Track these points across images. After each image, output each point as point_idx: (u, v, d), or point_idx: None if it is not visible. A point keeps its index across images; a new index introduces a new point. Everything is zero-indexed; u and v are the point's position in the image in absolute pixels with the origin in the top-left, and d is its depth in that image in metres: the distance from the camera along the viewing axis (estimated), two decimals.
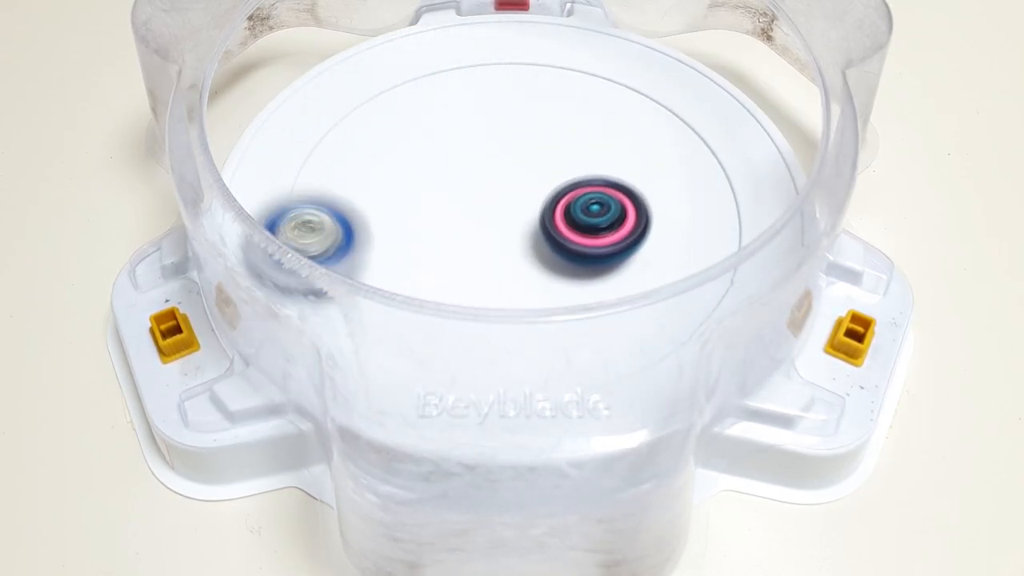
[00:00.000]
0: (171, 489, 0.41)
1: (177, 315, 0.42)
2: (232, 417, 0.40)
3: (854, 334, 0.42)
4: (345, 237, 0.41)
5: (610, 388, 0.36)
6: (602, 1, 0.52)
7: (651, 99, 0.48)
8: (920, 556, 0.40)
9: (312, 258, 0.38)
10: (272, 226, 0.40)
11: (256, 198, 0.44)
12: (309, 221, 0.40)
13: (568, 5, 0.52)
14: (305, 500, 0.41)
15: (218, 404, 0.40)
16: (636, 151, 0.47)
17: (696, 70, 0.49)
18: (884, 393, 0.41)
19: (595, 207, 0.42)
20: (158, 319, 0.42)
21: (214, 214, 0.39)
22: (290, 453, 0.40)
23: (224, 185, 0.39)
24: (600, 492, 0.35)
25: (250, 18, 0.50)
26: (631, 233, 0.42)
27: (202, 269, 0.42)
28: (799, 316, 0.41)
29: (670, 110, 0.48)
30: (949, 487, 0.41)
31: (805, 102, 0.51)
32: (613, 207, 0.42)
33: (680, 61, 0.50)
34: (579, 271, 0.43)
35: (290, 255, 0.37)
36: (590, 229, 0.42)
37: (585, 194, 0.42)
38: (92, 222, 0.48)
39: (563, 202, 0.42)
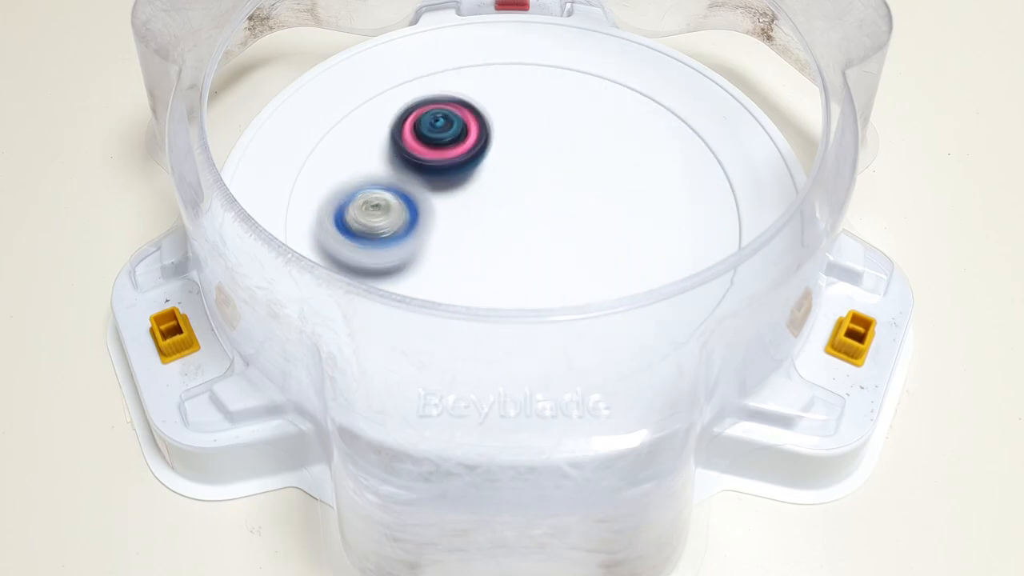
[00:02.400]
0: (171, 489, 0.41)
1: (177, 315, 0.42)
2: (232, 417, 0.40)
3: (854, 334, 0.42)
4: (411, 218, 0.43)
5: (610, 388, 0.36)
6: (602, 1, 0.52)
7: (651, 99, 0.48)
8: (920, 556, 0.40)
9: (380, 238, 0.42)
10: (342, 207, 0.43)
11: (256, 198, 0.44)
12: (377, 202, 0.42)
13: (568, 5, 0.52)
14: (305, 500, 0.41)
15: (218, 404, 0.40)
16: (636, 151, 0.47)
17: (696, 70, 0.49)
18: (884, 393, 0.41)
19: (440, 122, 0.45)
20: (158, 319, 0.42)
21: (214, 214, 0.39)
22: (290, 453, 0.40)
23: (224, 185, 0.39)
24: (600, 492, 0.35)
25: (250, 18, 0.50)
26: (473, 146, 0.45)
27: (202, 269, 0.42)
28: (799, 316, 0.41)
29: (670, 110, 0.48)
30: (949, 487, 0.41)
31: (805, 102, 0.51)
32: (456, 123, 0.45)
33: (680, 61, 0.50)
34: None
35: (290, 254, 0.37)
36: (435, 143, 0.45)
37: (431, 111, 0.45)
38: (92, 222, 0.48)
39: (411, 118, 0.45)
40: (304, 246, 0.43)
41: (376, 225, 0.42)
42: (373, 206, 0.42)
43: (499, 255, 0.44)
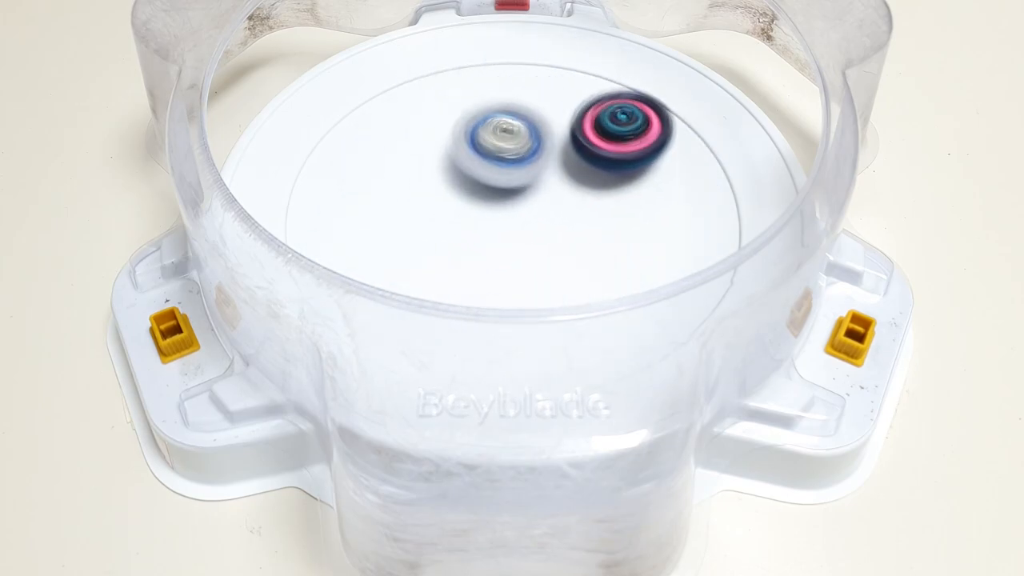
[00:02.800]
0: (171, 489, 0.41)
1: (177, 315, 0.42)
2: (232, 417, 0.40)
3: (854, 334, 0.42)
4: (535, 144, 0.45)
5: (610, 388, 0.36)
6: (602, 1, 0.52)
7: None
8: (920, 556, 0.40)
9: (508, 160, 0.44)
10: (474, 130, 0.45)
11: (256, 198, 0.44)
12: (507, 128, 0.45)
13: (568, 5, 0.52)
14: (305, 500, 0.41)
15: (218, 404, 0.40)
16: None
17: (696, 70, 0.49)
18: (884, 393, 0.41)
19: (622, 116, 0.45)
20: (158, 319, 0.42)
21: (214, 214, 0.39)
22: (290, 453, 0.40)
23: (224, 185, 0.39)
24: (600, 492, 0.35)
25: (250, 18, 0.50)
26: (656, 140, 0.45)
27: (202, 269, 0.42)
28: (799, 316, 0.41)
29: (670, 110, 0.48)
30: (949, 487, 0.41)
31: (805, 102, 0.51)
32: (640, 117, 0.45)
33: (680, 61, 0.50)
34: (607, 179, 0.46)
35: (291, 254, 0.37)
36: (617, 137, 0.45)
37: (612, 105, 0.46)
38: (92, 222, 0.48)
39: (591, 112, 0.46)
40: (305, 246, 0.43)
41: (503, 148, 0.44)
42: (504, 130, 0.45)
43: (499, 255, 0.44)
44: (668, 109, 0.46)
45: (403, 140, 0.47)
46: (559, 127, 0.46)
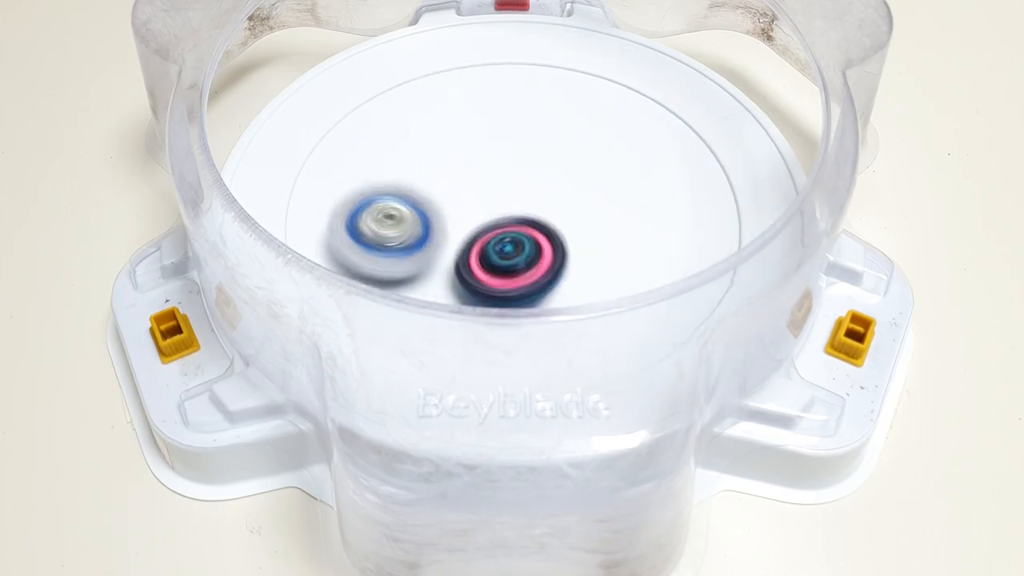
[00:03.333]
0: (171, 489, 0.41)
1: (177, 315, 0.42)
2: (232, 417, 0.40)
3: (854, 334, 0.42)
4: (423, 231, 0.42)
5: (610, 388, 0.36)
6: (602, 1, 0.52)
7: (651, 99, 0.48)
8: (920, 556, 0.40)
9: (391, 248, 0.42)
10: (355, 214, 0.43)
11: (256, 198, 0.44)
12: (391, 213, 0.42)
13: (568, 5, 0.52)
14: (305, 500, 0.41)
15: (218, 404, 0.40)
16: (636, 151, 0.47)
17: (696, 70, 0.49)
18: (884, 393, 0.41)
19: (509, 247, 0.42)
20: (158, 319, 0.42)
21: (214, 214, 0.39)
22: (290, 453, 0.40)
23: (224, 185, 0.39)
24: (600, 492, 0.35)
25: (250, 18, 0.50)
26: (548, 270, 0.42)
27: (202, 269, 0.42)
28: (799, 316, 0.41)
29: (670, 110, 0.48)
30: (949, 487, 0.41)
31: (805, 102, 0.51)
32: (527, 245, 0.42)
33: (680, 61, 0.50)
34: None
35: (292, 255, 0.37)
36: (506, 270, 0.42)
37: (499, 235, 0.43)
38: (92, 222, 0.48)
39: (477, 245, 0.43)
40: (305, 245, 0.43)
41: (386, 235, 0.42)
42: (387, 216, 0.42)
43: None
44: (558, 234, 0.43)
45: (403, 140, 0.47)
46: (563, 127, 0.45)
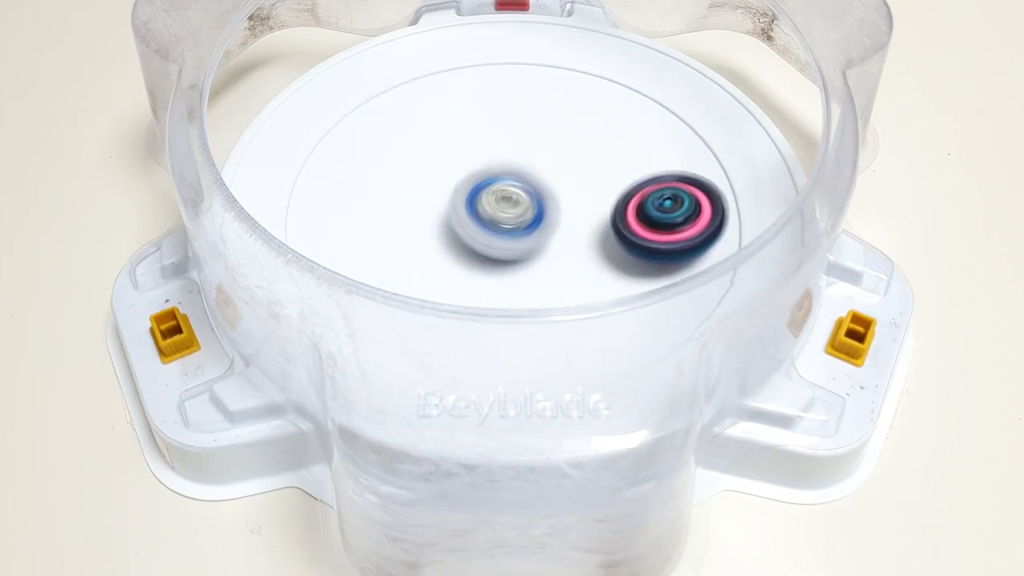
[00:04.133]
0: (171, 489, 0.41)
1: (177, 315, 0.42)
2: (232, 417, 0.40)
3: (854, 334, 0.42)
4: (537, 215, 0.42)
5: (610, 388, 0.36)
6: (602, 1, 0.52)
7: (651, 99, 0.48)
8: (920, 556, 0.40)
9: (506, 230, 0.42)
10: (475, 193, 0.42)
11: (256, 198, 0.44)
12: (510, 195, 0.42)
13: (568, 5, 0.52)
14: (305, 500, 0.41)
15: (218, 404, 0.40)
16: (636, 151, 0.47)
17: (696, 70, 0.49)
18: (884, 393, 0.41)
19: (668, 203, 0.42)
20: (158, 319, 0.42)
21: (214, 214, 0.39)
22: (290, 453, 0.40)
23: (224, 185, 0.39)
24: (600, 492, 0.35)
25: (250, 18, 0.50)
26: (708, 226, 0.42)
27: (202, 269, 0.42)
28: (799, 316, 0.41)
29: (670, 110, 0.48)
30: (949, 487, 0.41)
31: (805, 102, 0.51)
32: (687, 201, 0.42)
33: (680, 61, 0.50)
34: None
35: (292, 255, 0.37)
36: (665, 225, 0.42)
37: (657, 190, 0.43)
38: (92, 222, 0.48)
39: (635, 199, 0.43)
40: (305, 245, 0.43)
41: (503, 216, 0.42)
42: (506, 198, 0.42)
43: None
44: (718, 192, 0.43)
45: (403, 140, 0.47)
46: (563, 127, 0.46)
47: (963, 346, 0.45)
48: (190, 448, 0.40)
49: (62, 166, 0.51)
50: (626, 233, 0.42)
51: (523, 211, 0.42)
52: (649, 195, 0.42)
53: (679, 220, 0.42)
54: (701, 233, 0.42)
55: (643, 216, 0.42)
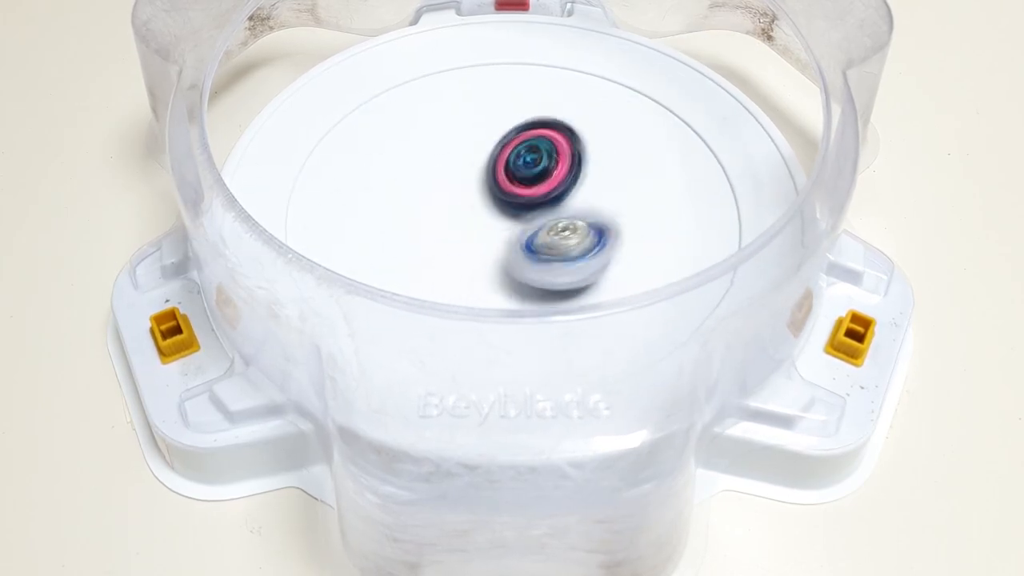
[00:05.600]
0: (171, 489, 0.41)
1: (177, 315, 0.42)
2: (232, 417, 0.40)
3: (854, 334, 0.42)
4: (597, 241, 0.42)
5: (610, 388, 0.36)
6: (602, 1, 0.52)
7: (651, 99, 0.48)
8: (920, 556, 0.40)
9: (570, 258, 0.41)
10: (535, 232, 0.42)
11: (256, 198, 0.44)
12: (567, 225, 0.42)
13: (568, 5, 0.52)
14: (305, 500, 0.41)
15: (218, 404, 0.40)
16: (636, 151, 0.47)
17: (696, 70, 0.49)
18: (884, 393, 0.41)
19: (530, 157, 0.44)
20: (158, 319, 0.42)
21: (214, 214, 0.39)
22: (290, 453, 0.40)
23: (224, 185, 0.39)
24: (600, 492, 0.35)
25: (250, 18, 0.50)
26: (571, 160, 0.44)
27: (202, 269, 0.42)
28: (799, 316, 0.41)
29: (670, 110, 0.48)
30: (949, 487, 0.41)
31: (805, 102, 0.51)
32: (542, 147, 0.44)
33: (680, 61, 0.50)
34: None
35: (292, 254, 0.37)
36: (537, 177, 0.44)
37: (520, 143, 0.45)
38: (92, 222, 0.48)
39: (500, 165, 0.45)
40: (305, 245, 0.43)
41: (566, 245, 0.42)
42: (563, 228, 0.42)
43: (500, 255, 0.44)
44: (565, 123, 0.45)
45: (403, 140, 0.47)
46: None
47: (963, 346, 0.45)
48: (190, 448, 0.40)
49: (62, 166, 0.51)
50: (506, 198, 0.44)
51: (582, 238, 0.42)
52: (508, 157, 0.44)
53: (538, 172, 0.44)
54: (565, 180, 0.44)
55: (514, 176, 0.44)
